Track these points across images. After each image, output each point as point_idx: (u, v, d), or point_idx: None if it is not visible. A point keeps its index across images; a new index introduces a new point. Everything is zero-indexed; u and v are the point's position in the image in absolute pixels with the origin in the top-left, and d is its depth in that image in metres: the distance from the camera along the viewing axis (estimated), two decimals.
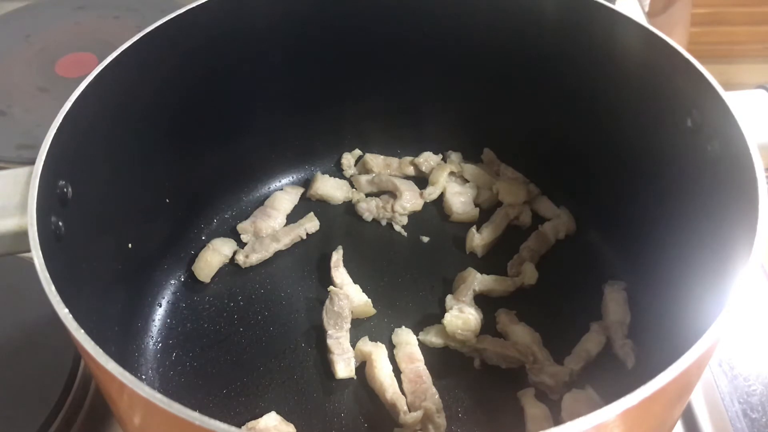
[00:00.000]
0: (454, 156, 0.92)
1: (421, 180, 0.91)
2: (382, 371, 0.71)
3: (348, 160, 0.93)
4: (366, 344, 0.74)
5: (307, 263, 0.84)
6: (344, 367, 0.72)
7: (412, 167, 0.92)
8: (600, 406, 0.40)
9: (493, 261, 0.82)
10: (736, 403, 0.71)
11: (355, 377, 0.73)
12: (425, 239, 0.86)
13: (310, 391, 0.72)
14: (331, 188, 0.90)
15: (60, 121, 0.59)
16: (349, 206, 0.90)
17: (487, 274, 0.80)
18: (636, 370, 0.71)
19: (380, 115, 0.91)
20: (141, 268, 0.77)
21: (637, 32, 0.68)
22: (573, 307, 0.77)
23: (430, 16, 0.81)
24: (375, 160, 0.92)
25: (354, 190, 0.91)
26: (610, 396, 0.41)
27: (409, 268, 0.83)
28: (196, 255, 0.83)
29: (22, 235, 0.54)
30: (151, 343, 0.76)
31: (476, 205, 0.89)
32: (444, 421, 0.68)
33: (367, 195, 0.91)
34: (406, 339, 0.75)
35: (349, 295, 0.77)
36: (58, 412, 0.68)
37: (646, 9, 1.15)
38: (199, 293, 0.81)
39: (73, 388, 0.70)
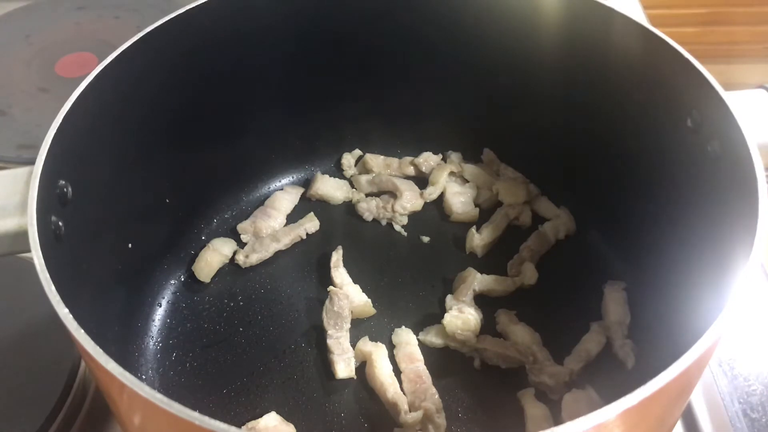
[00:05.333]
0: (454, 156, 0.92)
1: (421, 180, 0.91)
2: (382, 371, 0.71)
3: (348, 160, 0.93)
4: (366, 344, 0.74)
5: (307, 263, 0.84)
6: (344, 367, 0.72)
7: (412, 167, 0.92)
8: (600, 406, 0.40)
9: (493, 261, 0.82)
10: (736, 403, 0.71)
11: (355, 377, 0.73)
12: (425, 239, 0.86)
13: (310, 391, 0.72)
14: (331, 188, 0.90)
15: (60, 121, 0.59)
16: (349, 206, 0.90)
17: (487, 274, 0.80)
18: (636, 370, 0.71)
19: (380, 115, 0.91)
20: (141, 268, 0.77)
21: (637, 32, 0.68)
22: (573, 307, 0.77)
23: (430, 16, 0.81)
24: (375, 160, 0.92)
25: (354, 190, 0.91)
26: (610, 396, 0.41)
27: (409, 268, 0.83)
28: (196, 255, 0.83)
29: (22, 235, 0.54)
30: (151, 343, 0.76)
31: (476, 205, 0.89)
32: (444, 421, 0.68)
33: (367, 195, 0.91)
34: (406, 339, 0.75)
35: (349, 295, 0.77)
36: (58, 412, 0.68)
37: None
38: (199, 293, 0.81)
39: (73, 388, 0.70)
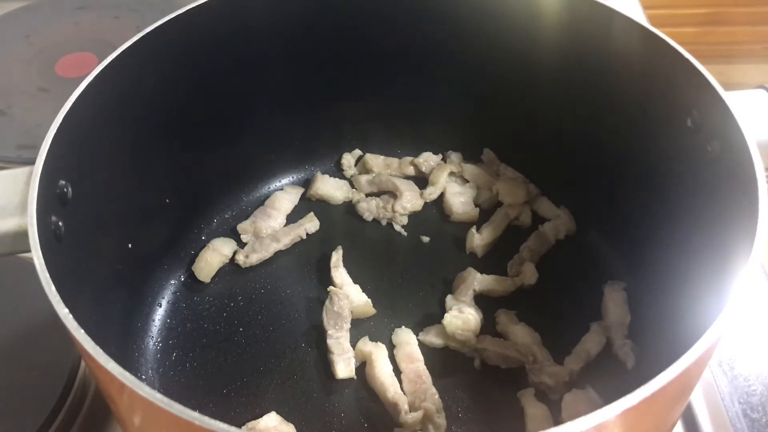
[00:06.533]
0: (454, 156, 0.92)
1: (421, 180, 0.91)
2: (383, 371, 0.71)
3: (348, 160, 0.93)
4: (366, 344, 0.74)
5: (307, 263, 0.84)
6: (344, 367, 0.72)
7: (412, 167, 0.92)
8: (600, 406, 0.40)
9: (493, 261, 0.82)
10: (736, 403, 0.71)
11: (355, 377, 0.73)
12: (425, 239, 0.86)
13: (310, 391, 0.72)
14: (331, 188, 0.90)
15: (60, 121, 0.59)
16: (349, 206, 0.90)
17: (487, 274, 0.80)
18: (636, 370, 0.71)
19: (380, 115, 0.91)
20: (141, 268, 0.77)
21: (637, 32, 0.68)
22: (573, 307, 0.77)
23: (430, 17, 0.81)
24: (375, 160, 0.92)
25: (354, 190, 0.91)
26: (610, 396, 0.41)
27: (409, 268, 0.83)
28: (196, 255, 0.83)
29: (22, 235, 0.54)
30: (151, 343, 0.76)
31: (476, 205, 0.89)
32: (444, 421, 0.68)
33: (367, 195, 0.91)
34: (406, 339, 0.75)
35: (349, 295, 0.77)
36: (58, 412, 0.68)
37: None
38: (199, 293, 0.81)
39: (73, 388, 0.70)
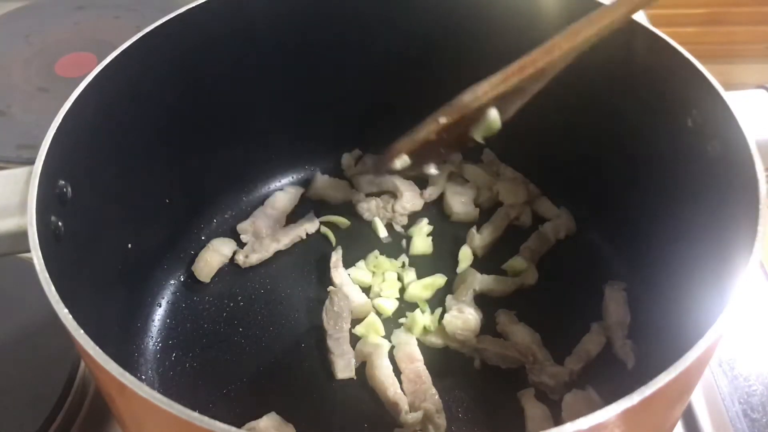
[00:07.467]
0: (454, 156, 0.92)
1: (421, 180, 0.91)
2: (383, 371, 0.71)
3: (348, 160, 0.93)
4: (366, 344, 0.74)
5: (307, 263, 0.84)
6: (344, 367, 0.72)
7: None
8: (600, 406, 0.40)
9: (493, 261, 0.82)
10: (736, 403, 0.71)
11: (355, 377, 0.73)
12: None
13: (310, 391, 0.72)
14: (331, 188, 0.90)
15: (60, 121, 0.59)
16: (349, 206, 0.90)
17: (487, 274, 0.80)
18: (636, 370, 0.71)
19: (380, 115, 0.91)
20: (141, 268, 0.77)
21: (638, 32, 0.68)
22: (573, 307, 0.77)
23: (429, 18, 0.81)
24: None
25: (354, 190, 0.91)
26: (610, 396, 0.42)
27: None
28: (196, 255, 0.83)
29: (22, 235, 0.54)
30: (151, 343, 0.76)
31: (476, 205, 0.89)
32: (444, 421, 0.68)
33: (367, 195, 0.91)
34: (406, 339, 0.75)
35: (349, 295, 0.77)
36: (58, 412, 0.68)
37: None
38: (199, 293, 0.81)
39: (73, 388, 0.70)
